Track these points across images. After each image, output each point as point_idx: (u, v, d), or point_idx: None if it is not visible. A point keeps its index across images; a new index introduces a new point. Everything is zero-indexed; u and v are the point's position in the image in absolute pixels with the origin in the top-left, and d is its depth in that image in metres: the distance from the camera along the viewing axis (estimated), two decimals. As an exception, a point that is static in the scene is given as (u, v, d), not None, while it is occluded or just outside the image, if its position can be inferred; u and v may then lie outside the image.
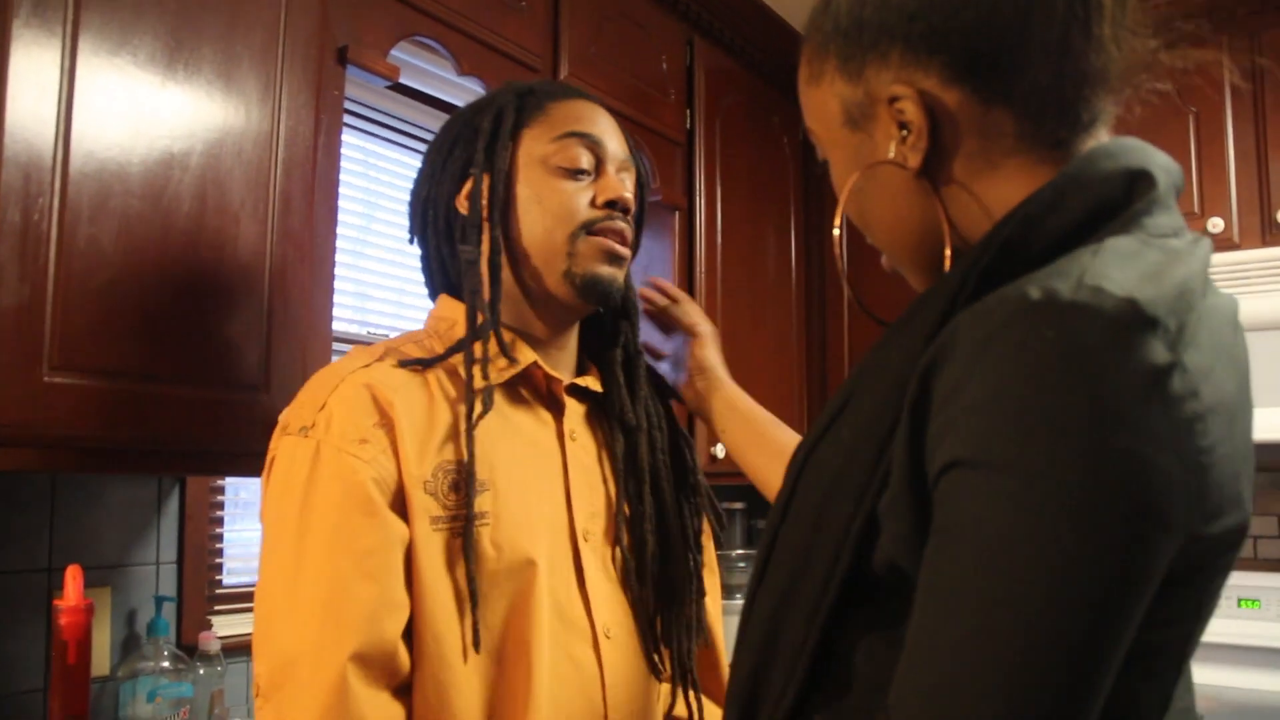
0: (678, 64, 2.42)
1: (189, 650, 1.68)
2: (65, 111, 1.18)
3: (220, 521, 1.83)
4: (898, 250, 0.79)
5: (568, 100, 1.13)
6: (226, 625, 1.81)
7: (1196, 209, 2.51)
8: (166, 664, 1.60)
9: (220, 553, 1.84)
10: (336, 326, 1.69)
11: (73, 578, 1.01)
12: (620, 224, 1.09)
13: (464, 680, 0.97)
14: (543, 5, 2.02)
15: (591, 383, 1.15)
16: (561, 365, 1.14)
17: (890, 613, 0.65)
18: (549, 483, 1.08)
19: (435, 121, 2.18)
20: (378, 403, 0.99)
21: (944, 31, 0.70)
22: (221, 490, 1.83)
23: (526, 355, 1.09)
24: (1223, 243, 2.47)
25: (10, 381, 1.13)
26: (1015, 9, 0.68)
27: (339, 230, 1.57)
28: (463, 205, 1.09)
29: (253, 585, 1.92)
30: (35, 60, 1.15)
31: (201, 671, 1.65)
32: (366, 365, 1.02)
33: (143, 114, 1.26)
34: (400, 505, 0.97)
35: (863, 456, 0.66)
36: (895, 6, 0.72)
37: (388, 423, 0.98)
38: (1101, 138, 0.72)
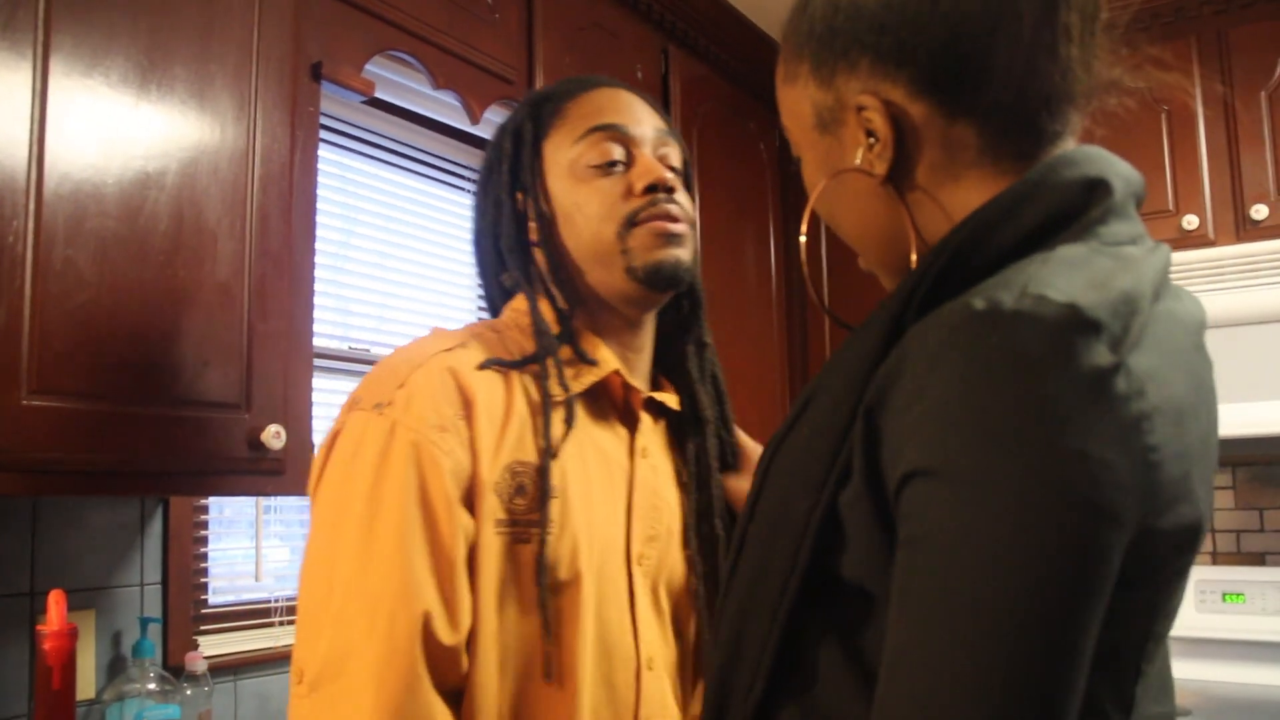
0: (653, 73, 2.43)
1: (175, 671, 1.67)
2: (38, 133, 1.18)
3: (205, 541, 1.82)
4: (867, 253, 0.80)
5: (584, 94, 1.07)
6: (213, 645, 1.80)
7: (1171, 206, 2.53)
8: (153, 685, 1.59)
9: (205, 572, 1.84)
10: (317, 343, 1.69)
11: (55, 602, 1.00)
12: (665, 205, 1.02)
13: (503, 695, 0.93)
14: (516, 17, 2.02)
15: (669, 399, 1.09)
16: (638, 371, 1.09)
17: (855, 610, 0.66)
18: (613, 498, 1.02)
19: (412, 135, 2.18)
20: (462, 391, 0.94)
21: (911, 46, 0.71)
22: (205, 510, 1.82)
23: (608, 361, 1.04)
24: (1198, 239, 2.49)
25: (-12, 405, 1.12)
26: (981, 29, 0.69)
27: (318, 246, 1.56)
28: (508, 234, 1.06)
29: (237, 605, 1.91)
30: (6, 82, 1.15)
31: (189, 692, 1.64)
32: (450, 349, 0.97)
33: (117, 134, 1.26)
34: (470, 504, 0.92)
35: (820, 451, 0.67)
36: (866, 17, 0.73)
37: (469, 414, 0.93)
38: (1067, 146, 0.73)
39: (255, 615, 1.94)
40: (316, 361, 1.64)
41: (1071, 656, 0.57)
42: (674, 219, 1.03)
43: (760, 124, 2.85)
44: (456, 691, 0.91)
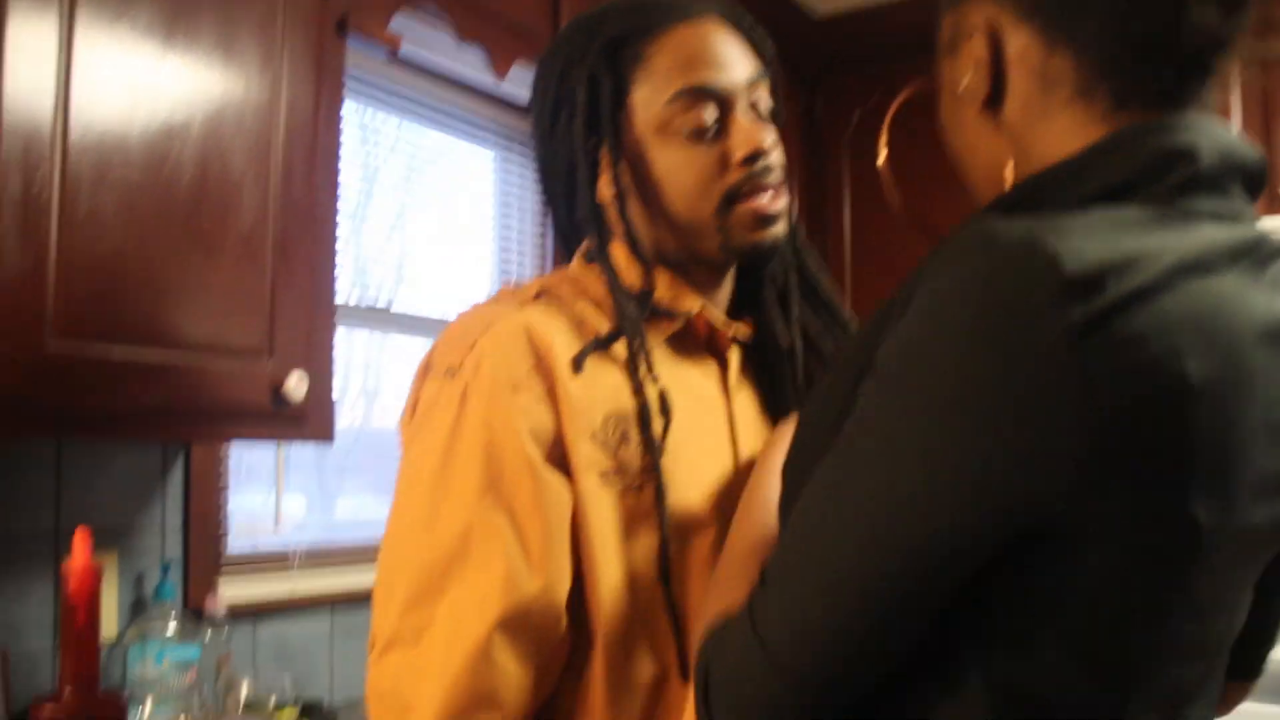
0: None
1: (195, 614, 1.71)
2: (64, 82, 1.19)
3: (225, 488, 1.85)
4: (967, 180, 0.80)
5: (665, 33, 0.95)
6: (232, 590, 1.84)
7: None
8: (173, 628, 1.62)
9: (225, 519, 1.87)
10: (338, 296, 1.70)
11: (81, 540, 1.02)
12: (764, 179, 0.94)
13: (618, 651, 0.89)
14: (544, -28, 2.01)
15: (741, 329, 1.02)
16: (721, 306, 1.02)
17: None
18: (715, 440, 0.97)
19: (437, 88, 2.18)
20: (534, 346, 0.89)
21: None
22: (226, 457, 1.85)
23: (690, 302, 0.98)
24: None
25: (14, 349, 1.14)
26: None
27: (340, 199, 1.58)
28: (585, 196, 0.97)
29: (256, 552, 1.95)
30: (33, 31, 1.16)
31: (208, 635, 1.68)
32: (522, 305, 0.93)
33: (142, 84, 1.27)
34: (560, 459, 0.88)
35: (864, 342, 0.69)
36: None
37: (545, 368, 0.88)
38: (1183, 112, 0.69)
39: (274, 562, 1.97)
40: (337, 314, 1.65)
41: (894, 582, 0.62)
42: (773, 194, 0.95)
43: (788, 94, 2.82)
44: (548, 652, 0.87)
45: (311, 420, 1.47)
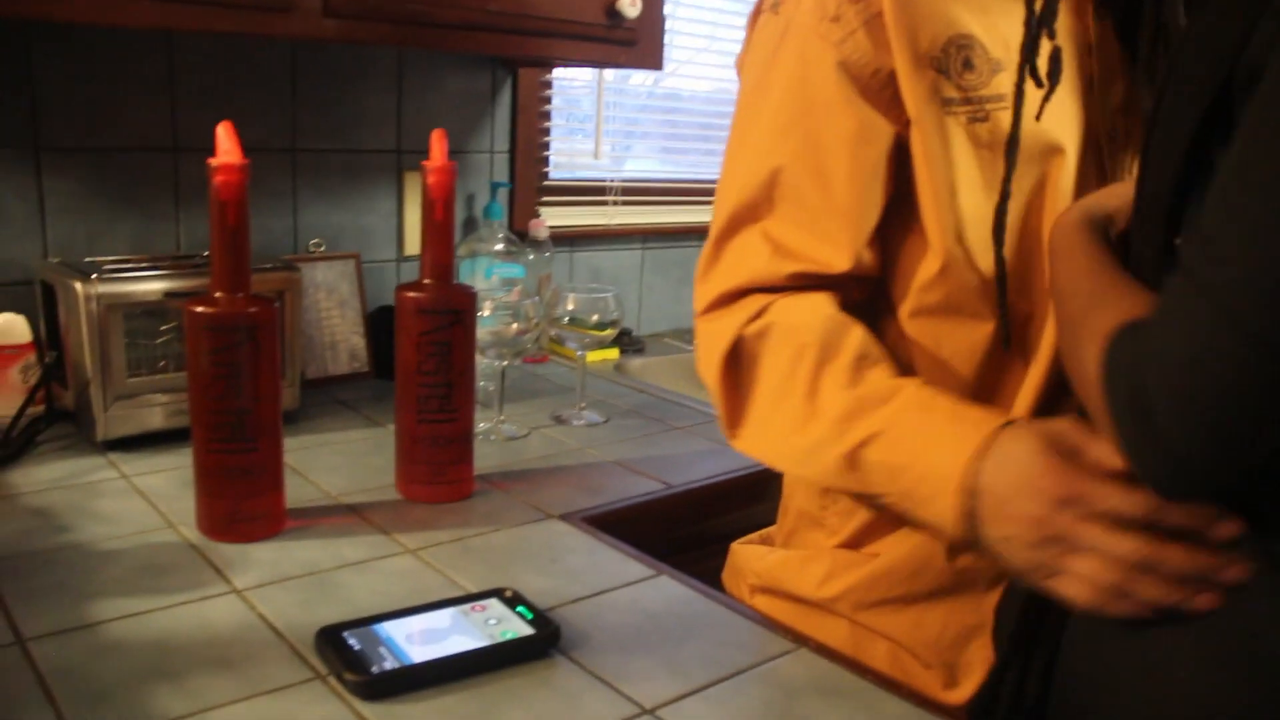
0: None
1: (520, 236, 1.80)
2: None
3: (548, 116, 1.89)
4: None
5: None
6: (553, 216, 1.92)
7: None
8: (500, 246, 1.72)
9: (547, 146, 1.92)
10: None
11: (438, 139, 1.05)
12: None
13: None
14: None
15: None
16: None
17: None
18: (1066, 66, 0.86)
19: None
20: None
21: None
22: (550, 85, 1.87)
23: None
24: None
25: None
26: None
27: None
28: None
29: (575, 181, 2.01)
30: None
31: (531, 257, 1.77)
32: None
33: None
34: (889, 90, 0.83)
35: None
36: None
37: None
38: None
39: (592, 192, 2.03)
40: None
41: None
42: None
43: None
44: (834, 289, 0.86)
45: (642, 45, 1.45)
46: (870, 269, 0.85)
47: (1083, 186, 0.84)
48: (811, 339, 0.83)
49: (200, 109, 1.44)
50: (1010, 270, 0.83)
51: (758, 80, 0.87)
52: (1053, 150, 0.83)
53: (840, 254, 0.84)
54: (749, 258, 0.86)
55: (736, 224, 0.87)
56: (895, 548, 0.88)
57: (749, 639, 0.84)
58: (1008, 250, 0.82)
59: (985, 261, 0.82)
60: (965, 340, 0.85)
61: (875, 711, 0.74)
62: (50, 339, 1.26)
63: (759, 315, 0.85)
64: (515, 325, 1.29)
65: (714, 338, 0.87)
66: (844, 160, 0.83)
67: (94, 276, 1.17)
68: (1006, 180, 0.81)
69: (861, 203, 0.83)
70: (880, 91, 0.82)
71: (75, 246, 1.38)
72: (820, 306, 0.84)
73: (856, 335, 0.82)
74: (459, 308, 1.06)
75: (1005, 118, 0.81)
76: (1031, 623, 0.77)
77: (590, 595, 0.89)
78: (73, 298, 1.17)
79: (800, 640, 0.83)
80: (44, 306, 1.27)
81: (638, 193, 2.10)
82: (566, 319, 1.40)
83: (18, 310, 1.27)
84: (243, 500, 0.96)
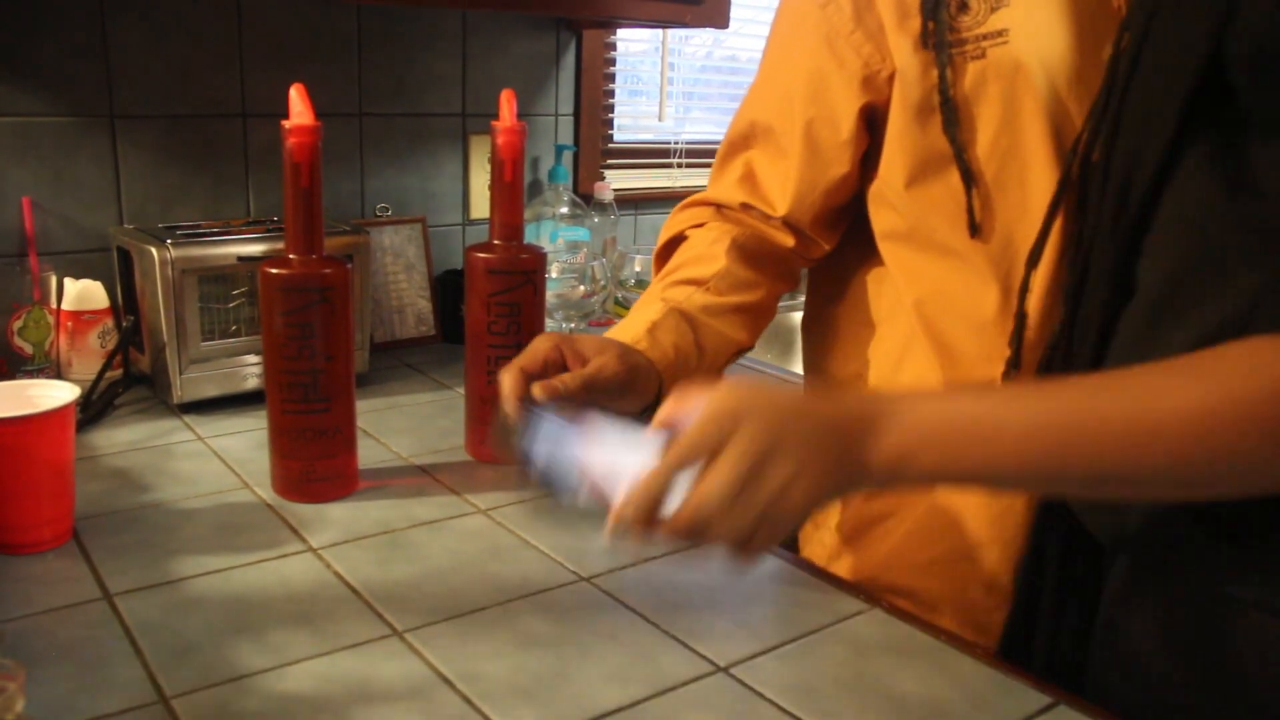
0: None
1: (585, 199, 1.79)
2: None
3: (612, 79, 1.87)
4: None
5: None
6: (617, 180, 1.91)
7: None
8: (565, 209, 1.72)
9: (611, 109, 1.90)
10: None
11: (507, 101, 1.04)
12: None
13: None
14: None
15: None
16: None
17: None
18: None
19: None
20: None
21: None
22: (614, 47, 1.86)
23: None
24: None
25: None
26: None
27: None
28: None
29: (640, 144, 1.99)
30: None
31: (595, 219, 1.77)
32: None
33: None
34: (874, 24, 0.86)
35: None
36: None
37: None
38: None
39: (656, 155, 2.01)
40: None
41: None
42: None
43: None
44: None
45: (709, 3, 1.43)
46: (805, 226, 0.95)
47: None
48: (675, 263, 0.98)
49: (268, 75, 1.45)
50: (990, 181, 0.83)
51: (772, 24, 0.96)
52: (1018, 68, 0.81)
53: (782, 199, 0.94)
54: (724, 177, 1.00)
55: (731, 150, 1.00)
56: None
57: (822, 599, 0.83)
58: (987, 168, 0.83)
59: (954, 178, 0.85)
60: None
61: (948, 670, 0.73)
62: (127, 304, 1.29)
63: (696, 226, 1.00)
64: (582, 288, 1.29)
65: (666, 228, 1.03)
66: (799, 114, 0.91)
67: (169, 242, 1.19)
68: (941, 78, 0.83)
69: (816, 157, 0.91)
70: (874, 28, 0.86)
71: (149, 213, 1.40)
72: (712, 243, 0.96)
73: (697, 271, 0.95)
74: (529, 268, 1.06)
75: (1003, 52, 0.80)
76: (1064, 577, 0.78)
77: (662, 554, 0.89)
78: (149, 263, 1.19)
79: (873, 600, 0.83)
80: (120, 273, 1.29)
81: (701, 154, 2.08)
82: (633, 281, 1.39)
83: (95, 277, 1.30)
84: (316, 460, 0.97)
